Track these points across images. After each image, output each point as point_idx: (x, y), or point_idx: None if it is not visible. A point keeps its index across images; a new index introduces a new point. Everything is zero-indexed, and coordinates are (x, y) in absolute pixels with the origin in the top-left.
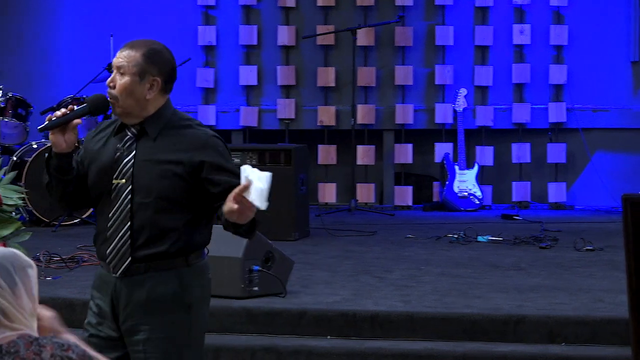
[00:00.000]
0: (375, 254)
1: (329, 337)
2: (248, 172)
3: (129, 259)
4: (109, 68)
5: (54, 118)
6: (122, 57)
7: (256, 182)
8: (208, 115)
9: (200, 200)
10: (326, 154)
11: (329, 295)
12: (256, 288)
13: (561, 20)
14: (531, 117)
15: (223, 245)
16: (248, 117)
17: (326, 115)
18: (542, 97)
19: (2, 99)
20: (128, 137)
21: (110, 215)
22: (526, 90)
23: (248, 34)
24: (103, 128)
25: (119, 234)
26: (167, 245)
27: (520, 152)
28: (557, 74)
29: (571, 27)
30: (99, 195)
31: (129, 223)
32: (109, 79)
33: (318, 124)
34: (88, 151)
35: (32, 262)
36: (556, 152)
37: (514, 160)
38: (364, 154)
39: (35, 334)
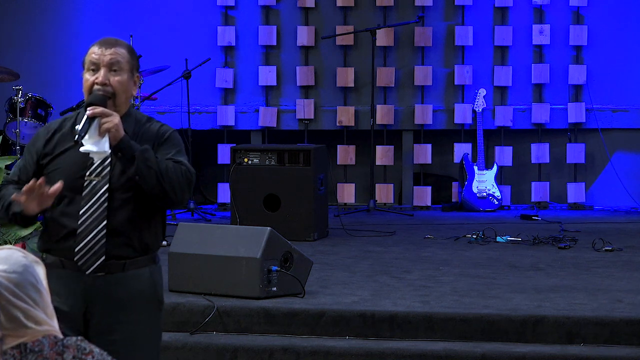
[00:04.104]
0: (394, 254)
1: (347, 337)
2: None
3: (103, 257)
4: None
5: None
6: (113, 53)
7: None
8: (227, 115)
9: None
10: (345, 154)
11: (348, 296)
12: (275, 288)
13: (581, 21)
14: (550, 117)
15: (241, 245)
16: (267, 117)
17: (345, 116)
18: (562, 98)
19: (22, 99)
20: None
21: (81, 212)
22: (545, 90)
23: (267, 35)
24: (56, 128)
25: (93, 231)
26: (144, 243)
27: (540, 152)
28: (577, 74)
29: (591, 27)
30: (64, 194)
31: (105, 222)
32: (97, 77)
33: (337, 124)
34: (47, 152)
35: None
36: (575, 153)
37: (533, 161)
38: (383, 154)
39: (59, 334)
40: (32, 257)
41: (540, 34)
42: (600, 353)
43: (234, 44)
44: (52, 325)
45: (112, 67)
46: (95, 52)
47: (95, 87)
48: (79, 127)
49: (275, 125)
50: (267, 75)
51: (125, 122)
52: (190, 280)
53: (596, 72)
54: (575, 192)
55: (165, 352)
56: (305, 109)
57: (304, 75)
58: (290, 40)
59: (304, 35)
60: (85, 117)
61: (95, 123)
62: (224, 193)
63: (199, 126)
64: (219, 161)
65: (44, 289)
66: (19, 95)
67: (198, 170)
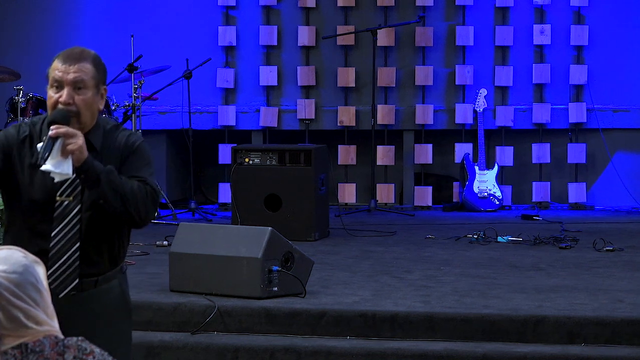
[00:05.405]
0: (395, 254)
1: (348, 337)
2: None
3: (77, 279)
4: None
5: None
6: (77, 70)
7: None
8: (228, 115)
9: None
10: (346, 154)
11: (349, 296)
12: (275, 288)
13: (582, 21)
14: (551, 117)
15: (242, 245)
16: (268, 117)
17: (346, 116)
18: (563, 98)
19: (23, 99)
20: None
21: (53, 234)
22: (546, 90)
23: (268, 35)
24: (27, 134)
25: (65, 254)
26: (113, 257)
27: (540, 152)
28: (578, 74)
29: (591, 27)
30: (34, 213)
31: (78, 243)
32: (61, 95)
33: (338, 124)
34: (15, 161)
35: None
36: (576, 153)
37: (534, 161)
38: (383, 154)
39: (60, 334)
40: (32, 257)
41: (541, 34)
42: (601, 353)
43: (234, 43)
44: (53, 325)
45: (76, 85)
46: (58, 69)
47: (59, 106)
48: (41, 145)
49: (276, 125)
50: (268, 75)
51: (93, 135)
52: (191, 280)
53: (597, 72)
54: (576, 192)
55: (166, 352)
56: (306, 109)
57: (304, 75)
58: (291, 40)
59: (305, 35)
60: (47, 136)
61: (58, 143)
62: (224, 193)
63: (199, 126)
64: (220, 161)
65: (44, 289)
66: (20, 95)
67: (199, 171)
